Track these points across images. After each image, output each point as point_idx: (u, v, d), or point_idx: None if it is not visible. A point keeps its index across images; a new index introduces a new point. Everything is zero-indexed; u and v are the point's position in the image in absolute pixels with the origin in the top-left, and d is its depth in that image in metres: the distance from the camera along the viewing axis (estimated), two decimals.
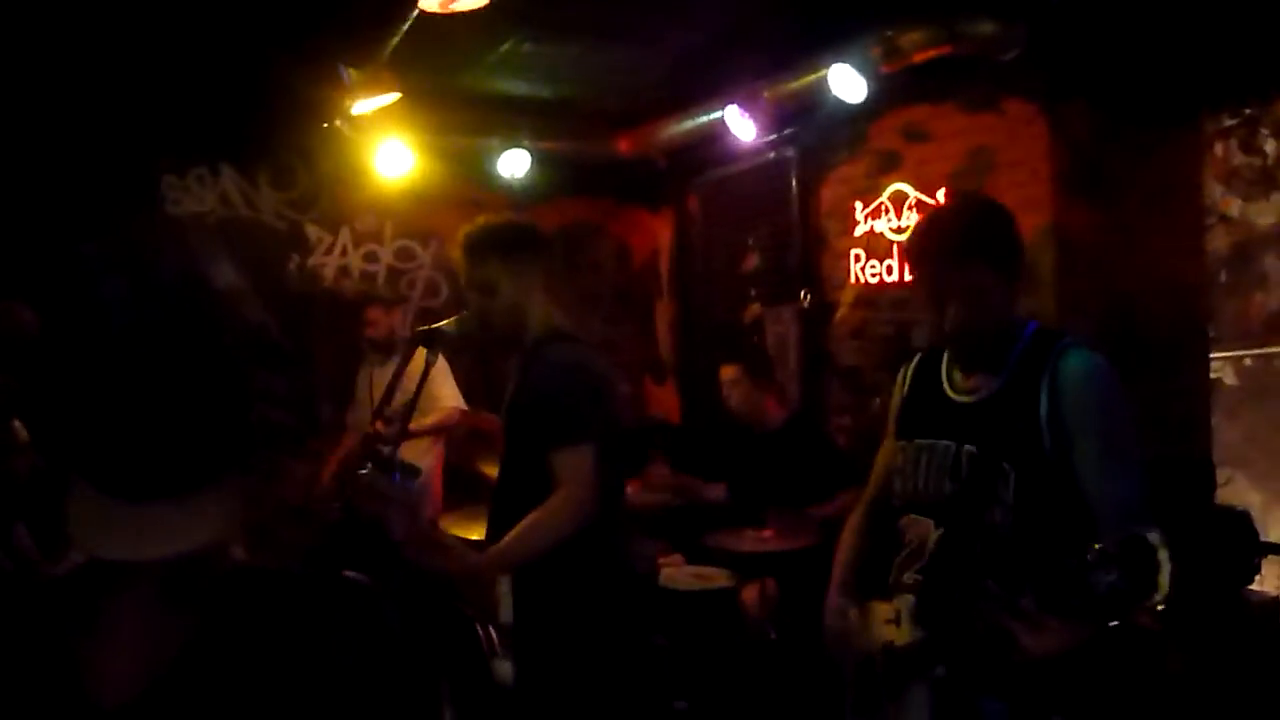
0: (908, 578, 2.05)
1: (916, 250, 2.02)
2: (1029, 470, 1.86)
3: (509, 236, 2.49)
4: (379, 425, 4.07)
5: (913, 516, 2.06)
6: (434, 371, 4.37)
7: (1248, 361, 5.30)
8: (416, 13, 2.99)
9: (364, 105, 3.92)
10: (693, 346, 5.90)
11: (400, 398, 4.26)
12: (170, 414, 0.96)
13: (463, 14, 3.14)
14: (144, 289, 4.84)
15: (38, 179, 4.58)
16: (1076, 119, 3.51)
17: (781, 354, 4.90)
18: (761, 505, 3.74)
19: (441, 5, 2.82)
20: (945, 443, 2.00)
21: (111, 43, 3.99)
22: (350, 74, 3.58)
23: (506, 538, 2.35)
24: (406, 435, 4.30)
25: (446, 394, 4.59)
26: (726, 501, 4.17)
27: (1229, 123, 4.03)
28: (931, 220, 2.05)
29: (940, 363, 2.10)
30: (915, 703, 1.99)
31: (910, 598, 2.02)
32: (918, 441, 2.07)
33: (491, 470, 4.13)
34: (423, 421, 4.38)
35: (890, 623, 2.07)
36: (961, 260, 1.91)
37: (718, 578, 3.79)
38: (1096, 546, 1.52)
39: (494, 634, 3.23)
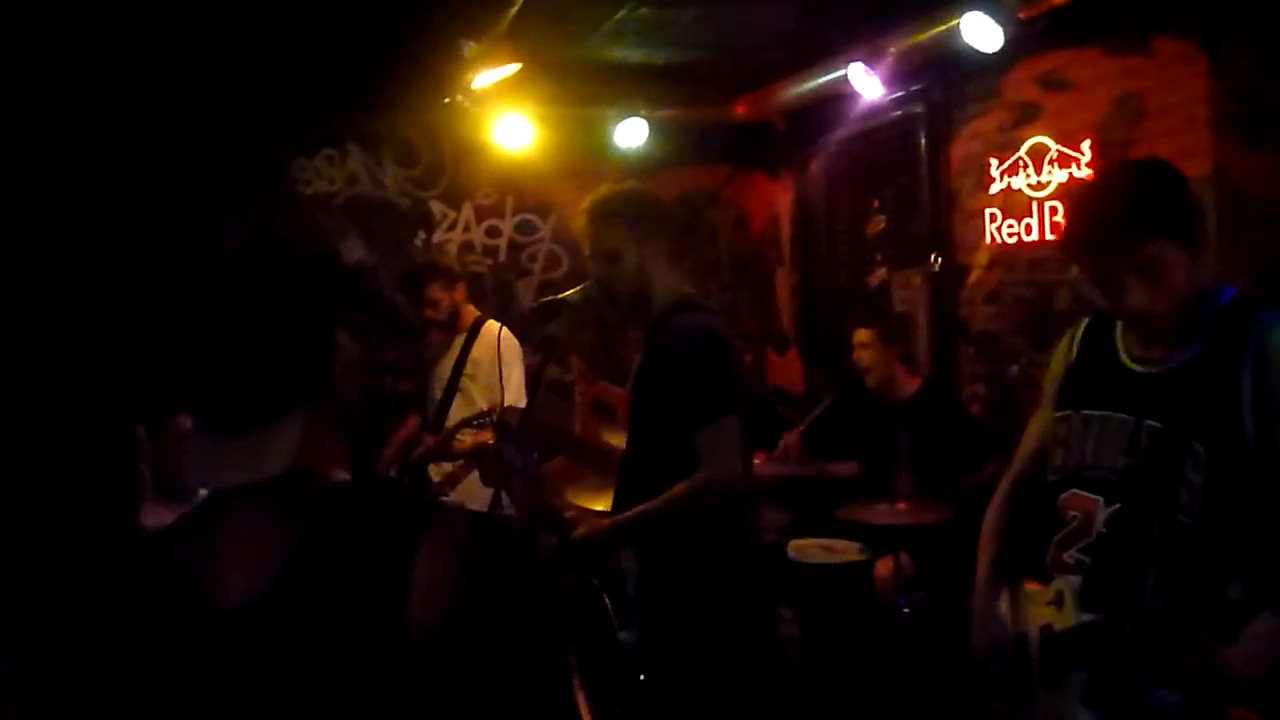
0: (1069, 557, 1.91)
1: (1080, 233, 1.83)
2: (1224, 453, 1.70)
3: (635, 203, 2.45)
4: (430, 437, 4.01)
5: (1076, 492, 1.91)
6: (506, 358, 3.99)
7: None
8: None
9: (484, 78, 3.93)
10: (815, 314, 5.76)
11: (469, 385, 4.09)
12: (263, 352, 1.14)
13: None
14: (279, 267, 5.01)
15: (177, 163, 4.79)
16: (1239, 56, 3.22)
17: (910, 320, 4.72)
18: (897, 478, 3.61)
19: None
20: (1121, 415, 1.84)
21: (242, 28, 4.11)
22: (470, 47, 3.58)
23: (646, 505, 2.32)
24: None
25: (511, 395, 4.09)
26: (859, 478, 4.05)
27: None
28: (1094, 196, 1.86)
29: (1115, 328, 1.93)
30: (1075, 689, 1.87)
31: (1074, 579, 1.88)
32: (1085, 413, 1.91)
33: (616, 441, 4.14)
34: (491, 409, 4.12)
35: (1051, 604, 1.94)
36: (1137, 238, 1.73)
37: (849, 551, 3.69)
38: None
39: (610, 605, 3.24)
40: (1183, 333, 1.79)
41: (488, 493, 3.97)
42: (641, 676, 2.51)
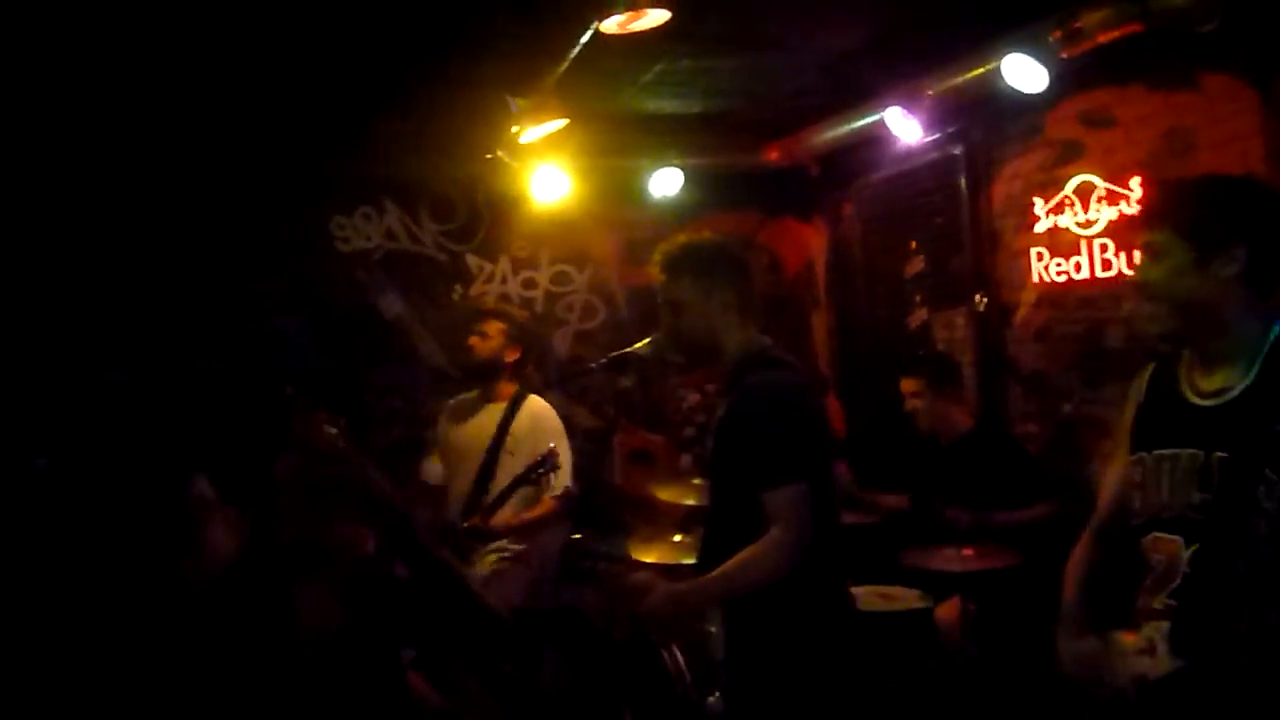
0: (1158, 603, 1.88)
1: (1187, 201, 1.91)
2: None
3: (702, 254, 2.44)
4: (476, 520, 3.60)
5: (1157, 535, 1.90)
6: (555, 436, 3.71)
7: None
8: (589, 37, 2.98)
9: (532, 134, 3.95)
10: (853, 356, 5.73)
11: (509, 461, 3.70)
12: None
13: (622, 35, 3.12)
14: (320, 323, 5.05)
15: (214, 223, 4.85)
16: None
17: (954, 360, 4.69)
18: (950, 515, 3.57)
19: (620, 26, 2.80)
20: (1190, 451, 1.84)
21: (280, 85, 4.17)
22: (518, 103, 3.61)
23: (714, 573, 2.30)
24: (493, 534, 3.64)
25: (563, 474, 3.74)
26: (908, 511, 4.01)
27: None
28: (1221, 180, 2.01)
29: (1179, 366, 1.95)
30: None
31: (1165, 624, 1.85)
32: (1158, 452, 1.91)
33: (663, 494, 4.10)
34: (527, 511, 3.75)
35: (1143, 653, 1.90)
36: (1153, 222, 1.88)
37: (908, 598, 3.62)
38: None
39: (686, 668, 3.17)
40: (1241, 360, 1.81)
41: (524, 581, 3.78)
42: None
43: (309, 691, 1.66)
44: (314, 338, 5.05)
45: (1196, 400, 1.89)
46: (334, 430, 3.47)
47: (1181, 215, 1.84)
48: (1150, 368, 2.03)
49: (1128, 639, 1.95)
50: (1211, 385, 1.87)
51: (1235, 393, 1.81)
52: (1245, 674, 1.71)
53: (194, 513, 1.78)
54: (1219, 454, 1.79)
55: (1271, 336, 1.80)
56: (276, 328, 4.99)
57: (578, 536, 3.74)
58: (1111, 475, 2.12)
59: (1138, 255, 1.93)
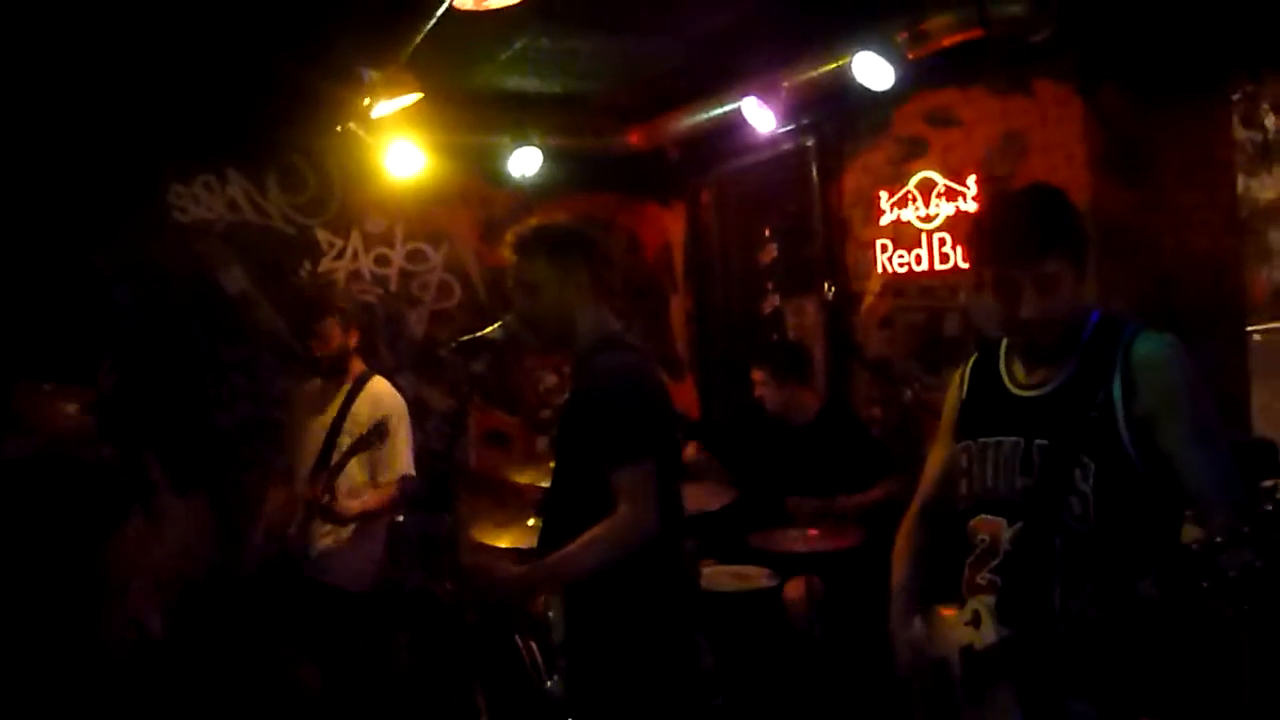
0: (981, 578, 2.01)
1: (992, 243, 1.95)
2: (1108, 461, 1.83)
3: (558, 236, 2.43)
4: (316, 491, 3.57)
5: (983, 517, 2.02)
6: (393, 432, 3.67)
7: (1256, 337, 5.25)
8: (444, 10, 2.90)
9: (384, 107, 3.82)
10: (709, 341, 5.84)
11: (347, 442, 3.66)
12: None
13: (478, 10, 3.06)
14: (155, 298, 4.76)
15: (45, 189, 4.49)
16: (1111, 98, 3.45)
17: (805, 347, 4.83)
18: (790, 495, 3.69)
19: (475, 2, 2.74)
20: (1013, 439, 1.97)
21: (114, 45, 3.89)
22: (371, 75, 3.49)
23: (561, 551, 2.29)
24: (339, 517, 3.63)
25: (401, 458, 3.80)
26: (733, 502, 4.09)
27: (1234, 97, 3.99)
28: (1007, 211, 2.01)
29: (998, 359, 2.08)
30: (1000, 705, 1.94)
31: (989, 598, 1.98)
32: (983, 440, 2.03)
33: (518, 477, 4.07)
34: (368, 496, 3.74)
35: (969, 624, 2.02)
36: (1041, 252, 1.88)
37: (758, 577, 3.73)
38: (1224, 527, 1.48)
39: (537, 652, 3.18)
40: (1060, 354, 1.93)
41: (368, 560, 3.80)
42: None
43: None
44: (150, 311, 4.76)
45: (1017, 391, 2.01)
46: (72, 408, 3.17)
47: (1069, 241, 1.90)
48: (970, 362, 2.14)
49: (949, 612, 2.08)
50: (1033, 378, 1.98)
51: (1055, 385, 1.94)
52: (1063, 641, 1.84)
53: None
54: (1039, 441, 1.91)
55: (1086, 334, 1.93)
56: (112, 299, 4.68)
57: (400, 519, 3.69)
58: (934, 458, 2.24)
59: (1028, 288, 1.88)
